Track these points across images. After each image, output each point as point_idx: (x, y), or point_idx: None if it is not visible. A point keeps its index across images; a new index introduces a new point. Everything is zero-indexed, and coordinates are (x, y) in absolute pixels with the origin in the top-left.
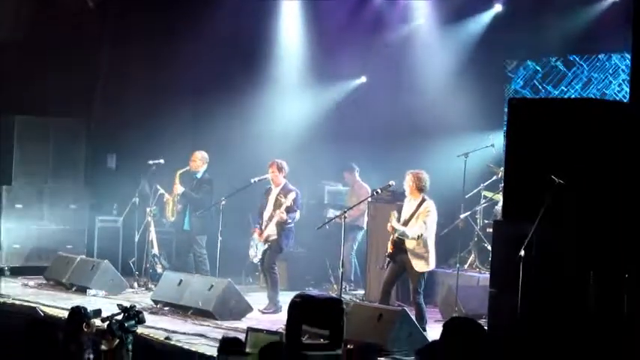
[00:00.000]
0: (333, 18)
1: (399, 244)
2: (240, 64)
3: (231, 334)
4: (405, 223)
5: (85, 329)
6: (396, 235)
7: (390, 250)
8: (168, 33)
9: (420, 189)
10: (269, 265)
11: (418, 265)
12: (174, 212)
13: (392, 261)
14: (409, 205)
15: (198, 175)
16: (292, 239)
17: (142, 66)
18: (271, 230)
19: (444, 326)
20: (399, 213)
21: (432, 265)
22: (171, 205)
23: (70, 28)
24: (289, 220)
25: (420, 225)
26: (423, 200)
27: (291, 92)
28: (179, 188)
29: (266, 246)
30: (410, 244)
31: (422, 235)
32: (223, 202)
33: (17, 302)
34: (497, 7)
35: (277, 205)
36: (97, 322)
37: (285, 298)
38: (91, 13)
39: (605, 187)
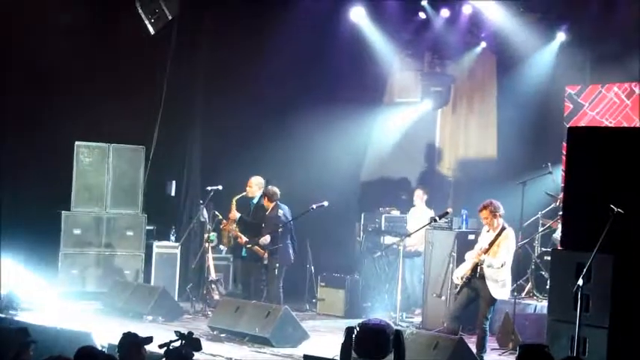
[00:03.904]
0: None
1: (478, 270)
2: (305, 87)
3: None
4: (486, 252)
5: (136, 355)
6: (485, 265)
7: (468, 275)
8: (228, 60)
9: (499, 216)
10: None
11: (496, 292)
12: (230, 239)
13: (466, 286)
14: (487, 234)
15: (255, 201)
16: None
17: (202, 93)
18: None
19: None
20: (459, 241)
21: (508, 293)
22: (227, 232)
23: (130, 53)
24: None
25: (502, 253)
26: (504, 228)
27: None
28: (236, 215)
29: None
30: (489, 270)
31: (505, 263)
32: (280, 229)
33: (71, 328)
34: (561, 36)
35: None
36: (155, 348)
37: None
38: (152, 39)
39: None
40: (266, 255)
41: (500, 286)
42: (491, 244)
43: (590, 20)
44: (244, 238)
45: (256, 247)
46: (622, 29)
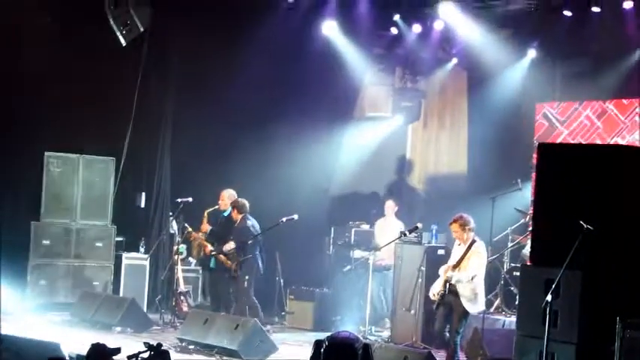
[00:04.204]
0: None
1: (450, 286)
2: (276, 101)
3: None
4: (456, 267)
5: None
6: (453, 281)
7: (441, 291)
8: (200, 72)
9: (469, 230)
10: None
11: (468, 306)
12: (199, 251)
13: (441, 303)
14: (459, 248)
15: (226, 214)
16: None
17: (173, 105)
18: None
19: None
20: (428, 255)
21: (481, 306)
22: (196, 243)
23: (102, 65)
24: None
25: (472, 266)
26: (473, 242)
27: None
28: (207, 227)
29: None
30: (459, 286)
31: (475, 276)
32: (250, 241)
33: (40, 339)
34: (532, 53)
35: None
36: (123, 359)
37: (311, 338)
38: (123, 51)
39: (634, 233)
40: (234, 266)
41: (472, 300)
42: (461, 259)
43: (561, 37)
44: (209, 247)
45: (222, 256)
46: (593, 46)
